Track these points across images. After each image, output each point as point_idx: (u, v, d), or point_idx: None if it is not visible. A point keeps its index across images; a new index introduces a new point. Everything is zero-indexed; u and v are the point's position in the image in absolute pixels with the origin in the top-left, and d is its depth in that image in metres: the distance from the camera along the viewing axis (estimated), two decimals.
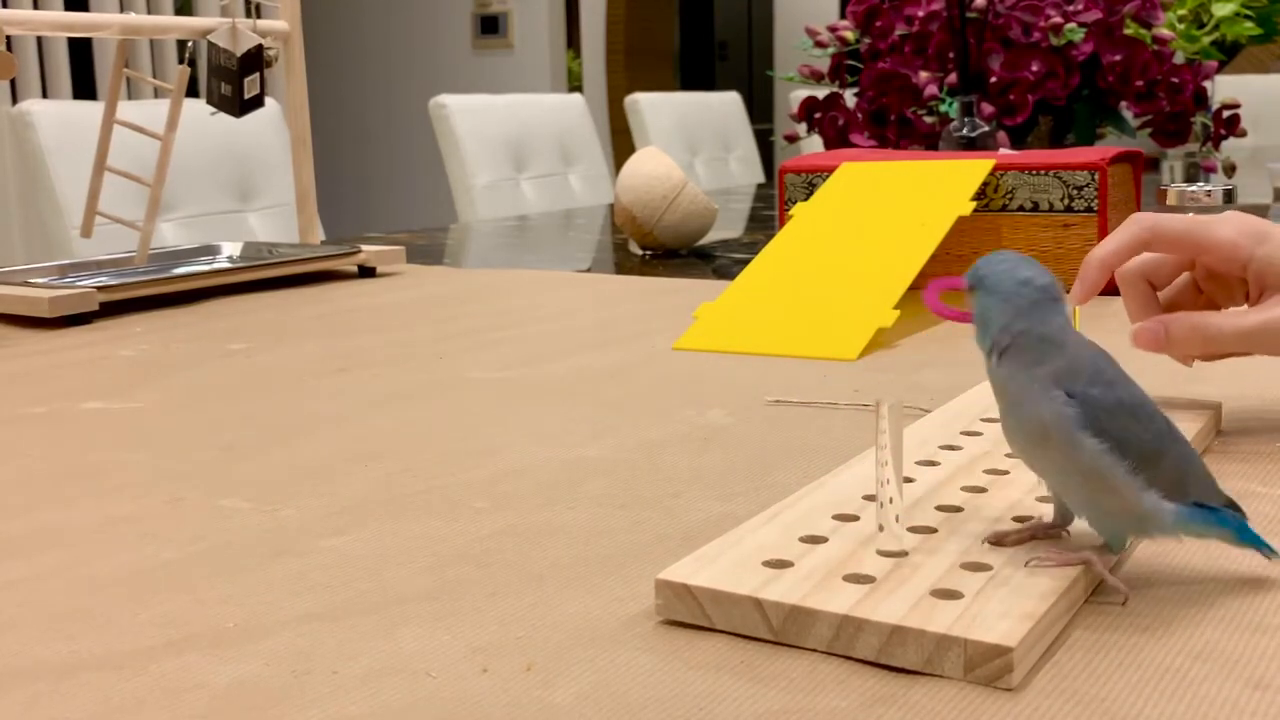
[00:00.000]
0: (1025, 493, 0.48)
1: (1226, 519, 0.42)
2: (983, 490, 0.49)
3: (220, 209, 1.85)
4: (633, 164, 1.36)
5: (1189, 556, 0.45)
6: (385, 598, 0.44)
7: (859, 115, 1.65)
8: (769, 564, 0.41)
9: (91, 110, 1.73)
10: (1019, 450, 0.42)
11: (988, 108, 1.56)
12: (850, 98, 1.71)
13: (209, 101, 1.21)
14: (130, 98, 3.68)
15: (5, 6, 2.96)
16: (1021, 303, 0.41)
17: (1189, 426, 0.57)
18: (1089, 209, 1.02)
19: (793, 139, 1.80)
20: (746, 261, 1.00)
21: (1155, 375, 0.73)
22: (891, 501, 0.42)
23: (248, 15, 1.23)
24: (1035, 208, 1.05)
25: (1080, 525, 0.43)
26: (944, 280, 0.45)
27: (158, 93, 1.27)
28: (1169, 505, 0.41)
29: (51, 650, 0.40)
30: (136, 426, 0.69)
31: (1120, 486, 0.40)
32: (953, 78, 1.60)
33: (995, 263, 0.42)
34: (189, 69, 1.16)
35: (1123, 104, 1.65)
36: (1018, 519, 0.45)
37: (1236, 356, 0.62)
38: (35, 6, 3.69)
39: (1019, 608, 0.38)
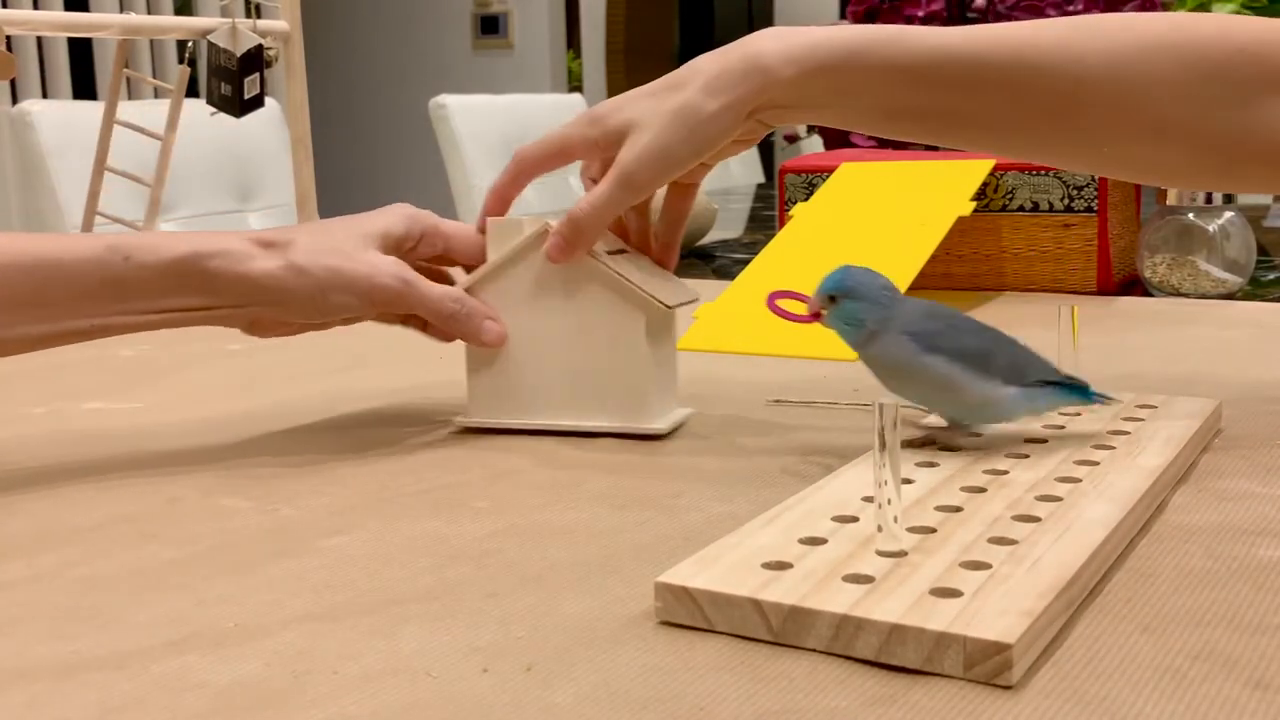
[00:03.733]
0: (1025, 491, 0.48)
1: (1067, 389, 0.55)
2: (982, 490, 0.49)
3: (220, 209, 1.85)
4: None
5: (1189, 556, 0.45)
6: (385, 598, 0.44)
7: None
8: (768, 565, 0.41)
9: (91, 110, 1.73)
10: (913, 398, 0.56)
11: None
12: None
13: (209, 101, 1.21)
14: (130, 98, 3.68)
15: (5, 6, 2.96)
16: (885, 301, 0.55)
17: (1189, 424, 0.57)
18: (1089, 209, 1.02)
19: (793, 139, 1.80)
20: (746, 261, 1.00)
21: (1155, 376, 0.73)
22: (890, 502, 0.42)
23: (248, 15, 1.23)
24: (1035, 208, 1.05)
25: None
26: (782, 293, 0.63)
27: (158, 93, 1.27)
28: (1007, 389, 0.54)
29: (51, 650, 0.40)
30: (136, 426, 0.69)
31: (963, 385, 0.54)
32: None
33: (856, 274, 0.56)
34: (189, 69, 1.16)
35: None
36: (1017, 517, 0.45)
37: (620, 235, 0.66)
38: (35, 6, 3.69)
39: (1018, 605, 0.38)
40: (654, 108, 0.60)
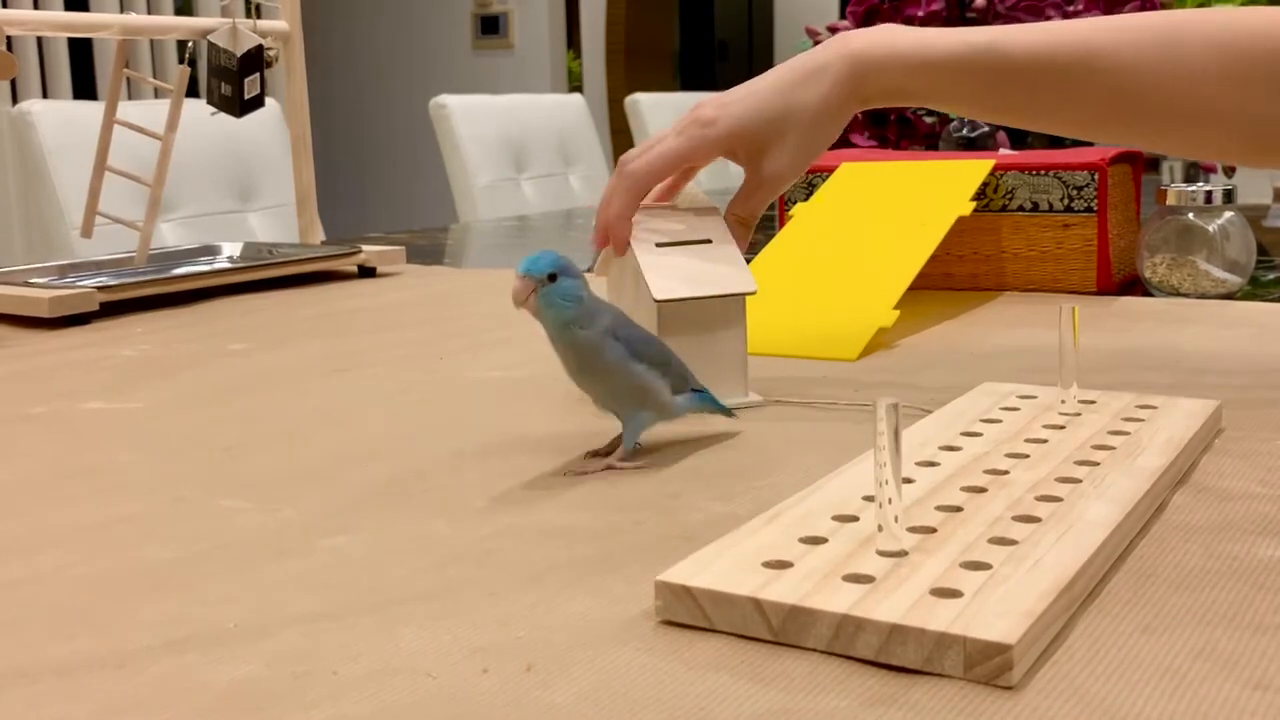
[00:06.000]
0: (1025, 491, 0.48)
1: (707, 397, 0.62)
2: (983, 490, 0.49)
3: (220, 209, 1.85)
4: None
5: (1189, 556, 0.45)
6: (385, 598, 0.44)
7: (859, 115, 1.65)
8: (769, 565, 0.41)
9: (91, 110, 1.73)
10: (596, 391, 0.60)
11: None
12: None
13: (209, 101, 1.21)
14: (130, 98, 3.68)
15: (5, 6, 2.96)
16: (586, 288, 0.57)
17: (1189, 425, 0.57)
18: (1089, 209, 1.02)
19: None
20: (746, 261, 1.00)
21: (1155, 376, 0.73)
22: (891, 501, 0.42)
23: (248, 15, 1.23)
24: (1035, 208, 1.05)
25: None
26: None
27: (158, 93, 1.27)
28: (680, 396, 0.60)
29: (51, 650, 0.40)
30: (136, 426, 0.69)
31: (658, 391, 0.59)
32: None
33: (554, 255, 0.57)
34: (189, 69, 1.16)
35: None
36: (1018, 517, 0.45)
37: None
38: (35, 6, 3.69)
39: (1019, 606, 0.38)
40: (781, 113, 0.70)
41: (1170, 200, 0.99)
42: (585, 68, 5.53)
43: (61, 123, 1.68)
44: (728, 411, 0.64)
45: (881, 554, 0.42)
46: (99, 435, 0.68)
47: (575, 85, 5.52)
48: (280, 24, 1.29)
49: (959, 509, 0.47)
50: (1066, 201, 1.03)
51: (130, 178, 1.14)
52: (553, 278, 0.56)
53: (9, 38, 1.02)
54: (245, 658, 0.39)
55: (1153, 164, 2.01)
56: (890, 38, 0.69)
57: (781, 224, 1.13)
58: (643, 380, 0.58)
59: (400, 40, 5.72)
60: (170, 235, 1.75)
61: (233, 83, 1.18)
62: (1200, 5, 1.76)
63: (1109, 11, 1.60)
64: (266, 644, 0.40)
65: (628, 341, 0.58)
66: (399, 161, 5.72)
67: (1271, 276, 1.11)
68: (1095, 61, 0.66)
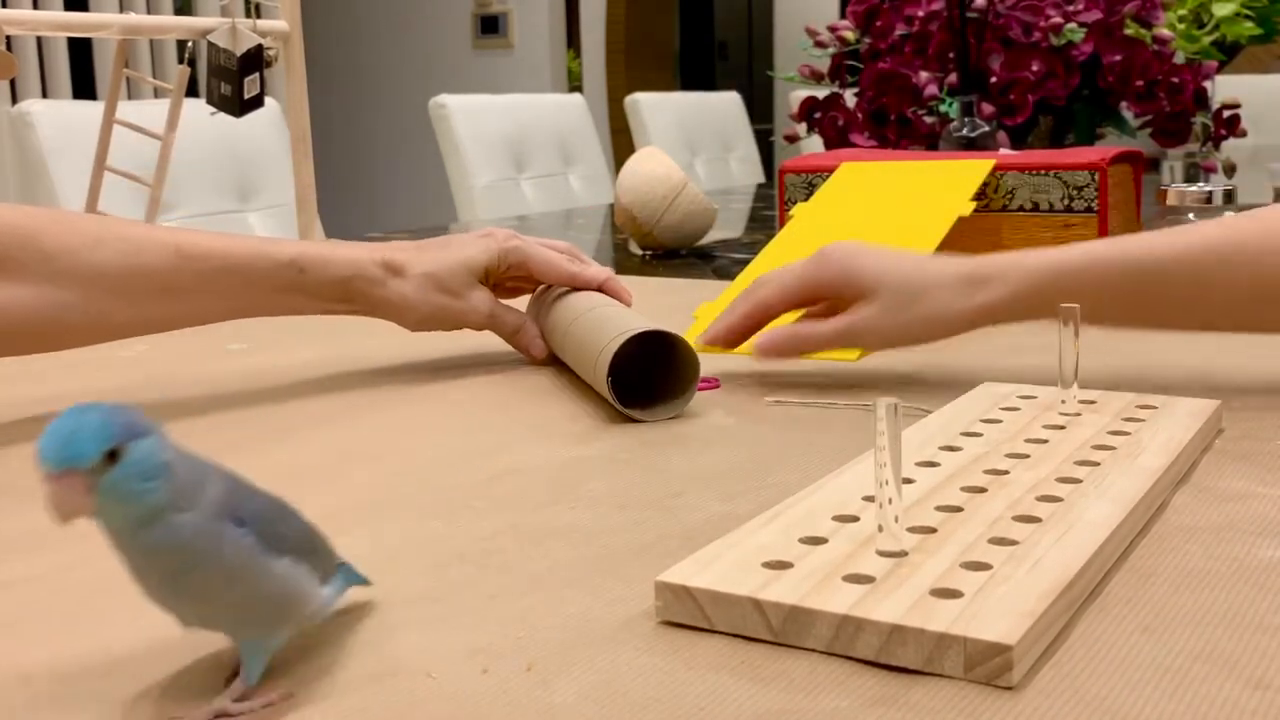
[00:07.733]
0: (1026, 491, 0.48)
1: (353, 574, 0.42)
2: (983, 490, 0.49)
3: (220, 209, 1.85)
4: (633, 164, 1.36)
5: (1189, 557, 0.45)
6: (385, 598, 0.44)
7: (859, 115, 1.65)
8: (769, 565, 0.41)
9: (91, 110, 1.73)
10: (195, 610, 0.36)
11: (988, 108, 1.56)
12: (850, 98, 1.71)
13: (209, 101, 1.21)
14: (130, 98, 3.68)
15: (5, 6, 2.95)
16: (168, 442, 0.34)
17: (1189, 425, 0.57)
18: (1089, 209, 1.02)
19: (793, 139, 1.80)
20: (746, 261, 1.00)
21: (1155, 376, 0.73)
22: (891, 502, 0.42)
23: (248, 15, 1.23)
24: (1035, 208, 1.05)
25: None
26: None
27: (158, 93, 1.27)
28: (327, 589, 0.39)
29: (51, 650, 0.40)
30: None
31: (306, 595, 0.37)
32: (953, 78, 1.60)
33: (102, 414, 0.34)
34: (189, 69, 1.16)
35: (1123, 104, 1.65)
36: (1018, 517, 0.45)
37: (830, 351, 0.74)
38: (35, 6, 3.69)
39: (1019, 606, 0.38)
40: (898, 297, 0.70)
41: (1170, 200, 0.99)
42: (585, 68, 5.53)
43: (61, 123, 1.68)
44: (365, 581, 0.43)
45: (881, 554, 0.42)
46: None
47: (575, 85, 5.52)
48: (280, 24, 1.29)
49: (959, 509, 0.47)
50: (1067, 201, 1.03)
51: (130, 178, 1.14)
52: (113, 456, 0.33)
53: (9, 37, 1.02)
54: None
55: (1153, 164, 2.01)
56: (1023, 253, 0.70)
57: (781, 224, 1.13)
58: (285, 587, 0.36)
59: (400, 40, 5.72)
60: None
61: (232, 83, 1.18)
62: (1198, 7, 1.76)
63: (1109, 12, 1.60)
64: None
65: (255, 521, 0.36)
66: (399, 161, 5.72)
67: None
68: (1233, 256, 0.67)
